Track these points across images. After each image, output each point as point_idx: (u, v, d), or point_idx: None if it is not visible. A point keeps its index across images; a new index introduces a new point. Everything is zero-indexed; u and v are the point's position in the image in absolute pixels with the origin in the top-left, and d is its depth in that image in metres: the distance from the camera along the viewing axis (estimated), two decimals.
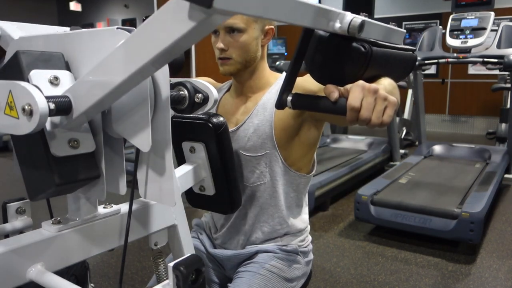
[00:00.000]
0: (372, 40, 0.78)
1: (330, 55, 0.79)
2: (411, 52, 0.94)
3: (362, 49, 0.75)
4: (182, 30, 0.47)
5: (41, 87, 0.60)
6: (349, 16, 0.69)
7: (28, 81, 0.63)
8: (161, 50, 0.50)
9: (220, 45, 1.14)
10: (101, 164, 0.71)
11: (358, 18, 0.68)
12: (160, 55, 0.51)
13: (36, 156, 0.66)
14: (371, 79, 0.82)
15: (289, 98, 0.79)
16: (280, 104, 0.80)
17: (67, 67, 0.69)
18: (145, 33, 0.52)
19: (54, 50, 0.69)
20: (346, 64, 0.78)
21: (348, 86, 0.71)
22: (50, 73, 0.65)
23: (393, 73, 0.88)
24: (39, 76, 0.64)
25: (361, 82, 0.70)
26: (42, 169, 0.66)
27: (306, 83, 1.07)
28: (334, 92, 0.72)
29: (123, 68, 0.55)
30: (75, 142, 0.66)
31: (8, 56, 0.69)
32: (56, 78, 0.65)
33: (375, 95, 0.68)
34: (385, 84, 0.82)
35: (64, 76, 0.67)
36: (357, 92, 0.69)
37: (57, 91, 0.65)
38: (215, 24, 0.48)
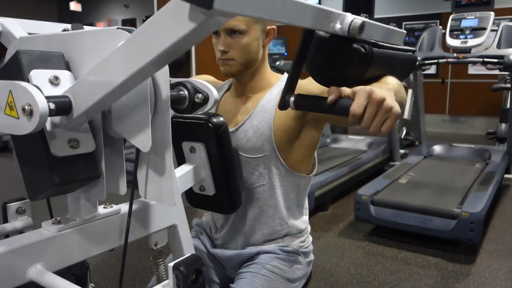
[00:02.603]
0: (372, 41, 0.78)
1: (330, 56, 0.79)
2: (411, 53, 0.94)
3: (363, 50, 0.75)
4: (182, 32, 0.47)
5: (41, 87, 0.60)
6: (349, 17, 0.69)
7: (28, 81, 0.63)
8: (161, 51, 0.50)
9: (221, 47, 1.13)
10: (101, 164, 0.71)
11: (358, 19, 0.68)
12: (160, 56, 0.51)
13: (36, 156, 0.66)
14: (373, 79, 0.82)
15: (292, 99, 0.79)
16: (283, 105, 0.81)
17: (67, 67, 0.69)
18: (145, 34, 0.52)
19: (54, 50, 0.69)
20: (346, 65, 0.78)
21: (356, 88, 0.71)
22: (50, 73, 0.65)
23: (394, 73, 0.89)
24: (39, 76, 0.64)
25: (368, 88, 0.69)
26: (42, 169, 0.66)
27: (309, 86, 1.06)
28: (337, 94, 0.72)
29: (124, 68, 0.55)
30: (75, 142, 0.66)
31: (8, 56, 0.69)
32: (56, 78, 0.65)
33: (379, 106, 0.68)
34: (393, 83, 0.82)
35: (64, 76, 0.67)
36: (362, 99, 0.69)
37: (57, 91, 0.65)
38: (216, 25, 0.48)
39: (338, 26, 0.68)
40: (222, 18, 0.45)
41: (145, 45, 0.52)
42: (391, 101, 0.69)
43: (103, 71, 0.59)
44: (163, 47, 0.50)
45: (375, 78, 0.83)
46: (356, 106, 0.69)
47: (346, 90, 0.73)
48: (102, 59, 0.58)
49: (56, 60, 0.68)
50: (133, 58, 0.54)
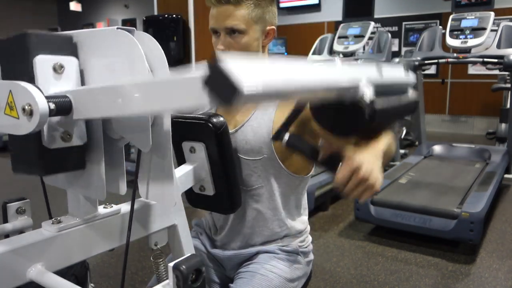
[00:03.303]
0: (379, 102, 0.80)
1: (334, 109, 0.83)
2: (413, 104, 0.97)
3: (366, 116, 0.78)
4: (196, 103, 0.49)
5: (44, 74, 0.60)
6: (360, 91, 0.71)
7: (32, 65, 0.62)
8: (172, 108, 0.53)
9: (221, 46, 1.13)
10: (100, 164, 0.71)
11: (369, 93, 0.70)
12: (169, 110, 0.53)
13: (27, 142, 0.65)
14: (371, 131, 0.89)
15: (286, 137, 0.87)
16: (276, 137, 0.88)
17: (75, 52, 0.68)
18: (165, 89, 0.53)
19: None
20: (348, 122, 0.82)
21: (348, 154, 0.80)
22: (55, 59, 0.64)
23: (394, 123, 0.95)
24: (44, 62, 0.63)
25: (356, 162, 0.78)
26: (31, 156, 0.65)
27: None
28: (328, 151, 0.82)
29: (134, 104, 0.56)
30: (68, 136, 0.66)
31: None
32: (61, 66, 0.64)
33: (362, 182, 0.79)
34: (386, 140, 0.90)
35: (70, 63, 0.66)
36: (347, 172, 0.77)
37: (61, 81, 0.64)
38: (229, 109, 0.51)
39: (349, 97, 0.71)
40: (239, 106, 0.46)
41: (160, 98, 0.54)
42: (374, 178, 0.80)
43: (112, 96, 0.59)
44: (175, 106, 0.53)
45: (373, 130, 0.90)
46: (341, 177, 0.78)
47: (338, 147, 0.80)
48: (117, 83, 0.59)
49: (65, 42, 0.67)
50: (146, 102, 0.56)
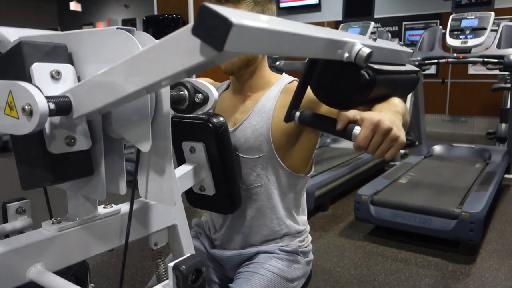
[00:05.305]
0: (377, 66, 0.79)
1: (335, 79, 0.82)
2: (414, 74, 0.96)
3: (367, 76, 0.77)
4: (190, 62, 0.47)
5: (42, 81, 0.60)
6: (357, 46, 0.69)
7: (29, 74, 0.63)
8: (167, 76, 0.51)
9: None
10: (100, 164, 0.71)
11: (366, 49, 0.69)
12: (165, 79, 0.52)
13: (32, 150, 0.66)
14: (376, 100, 0.86)
15: (297, 114, 0.83)
16: (288, 118, 0.85)
17: (70, 60, 0.69)
18: (155, 55, 0.52)
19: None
20: (351, 89, 0.81)
21: (365, 116, 0.74)
22: (52, 67, 0.65)
23: (396, 94, 0.93)
24: (41, 69, 0.63)
25: (375, 119, 0.72)
26: (38, 164, 0.66)
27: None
28: (345, 121, 0.75)
29: (128, 82, 0.56)
30: (72, 140, 0.66)
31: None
32: (58, 72, 0.65)
33: (385, 136, 0.72)
34: (400, 106, 0.85)
35: (67, 70, 0.66)
36: (368, 131, 0.71)
37: (58, 87, 0.65)
38: (224, 61, 0.49)
39: (346, 54, 0.69)
40: (232, 54, 0.46)
41: (152, 67, 0.53)
42: (397, 131, 0.72)
43: (107, 81, 0.59)
44: (170, 73, 0.50)
45: (379, 99, 0.87)
46: (362, 139, 0.72)
47: (354, 115, 0.74)
48: (108, 68, 0.58)
49: (59, 51, 0.67)
50: (139, 76, 0.55)
